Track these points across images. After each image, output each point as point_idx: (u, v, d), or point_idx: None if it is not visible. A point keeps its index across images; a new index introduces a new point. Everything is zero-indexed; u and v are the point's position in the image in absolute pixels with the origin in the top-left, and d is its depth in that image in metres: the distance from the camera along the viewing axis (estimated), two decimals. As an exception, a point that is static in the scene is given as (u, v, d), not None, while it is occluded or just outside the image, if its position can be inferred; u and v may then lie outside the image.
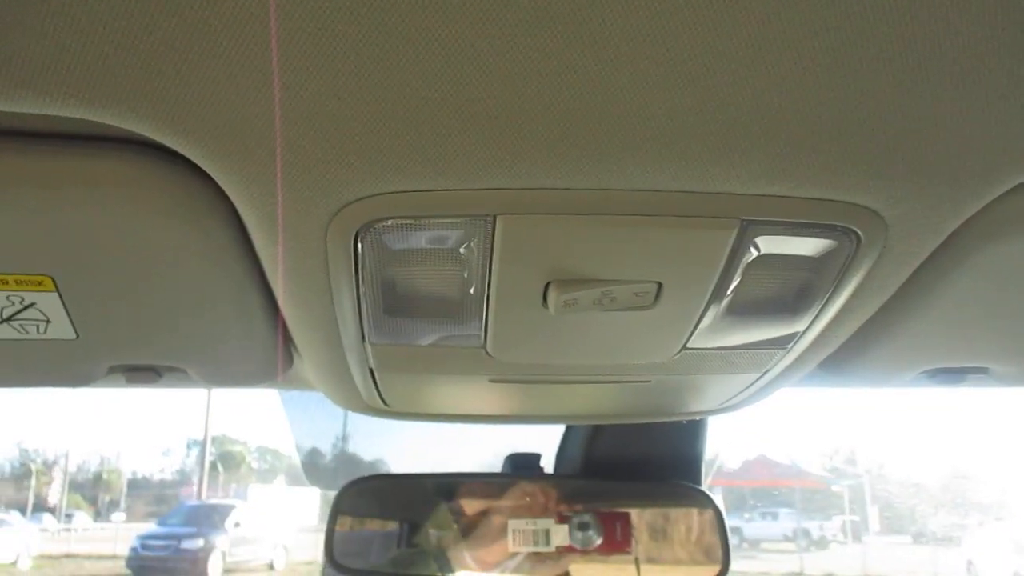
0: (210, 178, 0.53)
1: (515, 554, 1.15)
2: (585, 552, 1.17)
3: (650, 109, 0.45)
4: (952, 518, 20.23)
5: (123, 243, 0.62)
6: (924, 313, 0.74)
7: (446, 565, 1.20)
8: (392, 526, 1.31)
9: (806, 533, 21.39)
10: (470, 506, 1.22)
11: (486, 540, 1.15)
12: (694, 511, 1.25)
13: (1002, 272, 0.65)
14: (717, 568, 1.19)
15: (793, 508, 22.99)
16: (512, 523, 1.13)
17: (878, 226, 0.55)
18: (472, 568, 1.18)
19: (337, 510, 1.23)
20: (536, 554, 1.16)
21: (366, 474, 1.28)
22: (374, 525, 1.32)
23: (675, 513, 1.27)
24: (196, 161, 0.51)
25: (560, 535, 1.12)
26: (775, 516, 23.11)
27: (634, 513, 1.25)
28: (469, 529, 1.20)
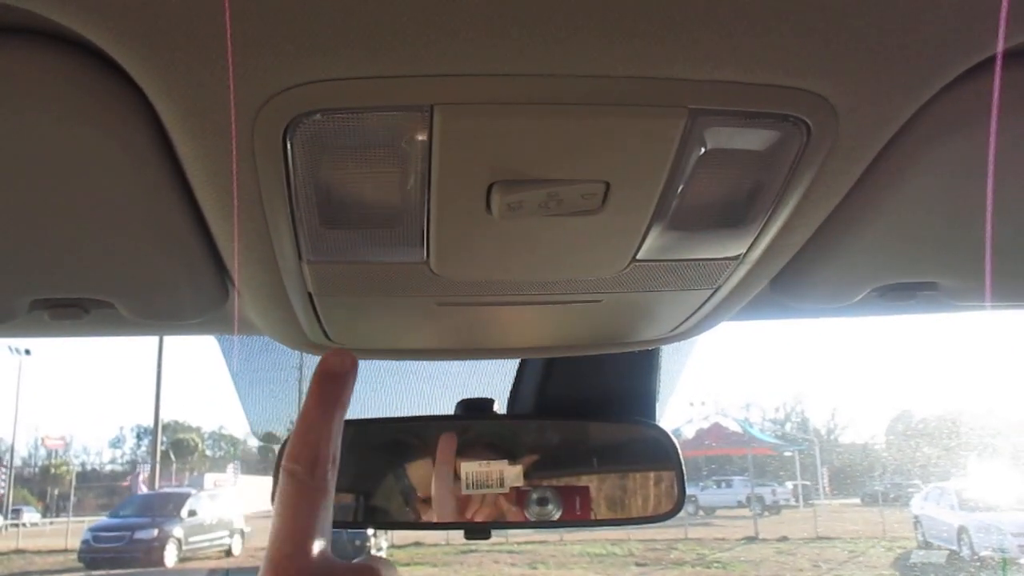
0: (124, 73, 0.49)
1: (469, 499, 1.13)
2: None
3: None
4: (899, 479, 20.95)
5: (33, 155, 0.58)
6: (875, 223, 0.73)
7: (397, 513, 1.18)
8: (341, 473, 1.28)
9: (760, 499, 21.96)
10: (421, 450, 1.19)
11: (439, 485, 1.13)
12: (651, 452, 1.24)
13: (952, 171, 0.65)
14: (672, 503, 1.19)
15: (747, 475, 23.58)
16: (465, 466, 1.10)
17: (828, 115, 0.54)
18: (422, 514, 1.16)
19: (282, 460, 1.20)
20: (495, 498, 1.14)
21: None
22: None
23: (632, 453, 1.27)
24: (105, 49, 0.46)
25: (514, 475, 1.10)
26: (729, 483, 23.71)
27: (590, 452, 1.24)
28: (420, 475, 1.17)
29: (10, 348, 28.15)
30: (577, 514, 1.18)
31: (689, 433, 26.21)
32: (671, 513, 1.20)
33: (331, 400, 0.57)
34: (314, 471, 0.54)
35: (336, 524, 1.34)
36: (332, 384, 0.58)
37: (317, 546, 0.54)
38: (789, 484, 23.24)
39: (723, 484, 23.77)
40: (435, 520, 1.15)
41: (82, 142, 0.56)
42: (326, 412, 0.56)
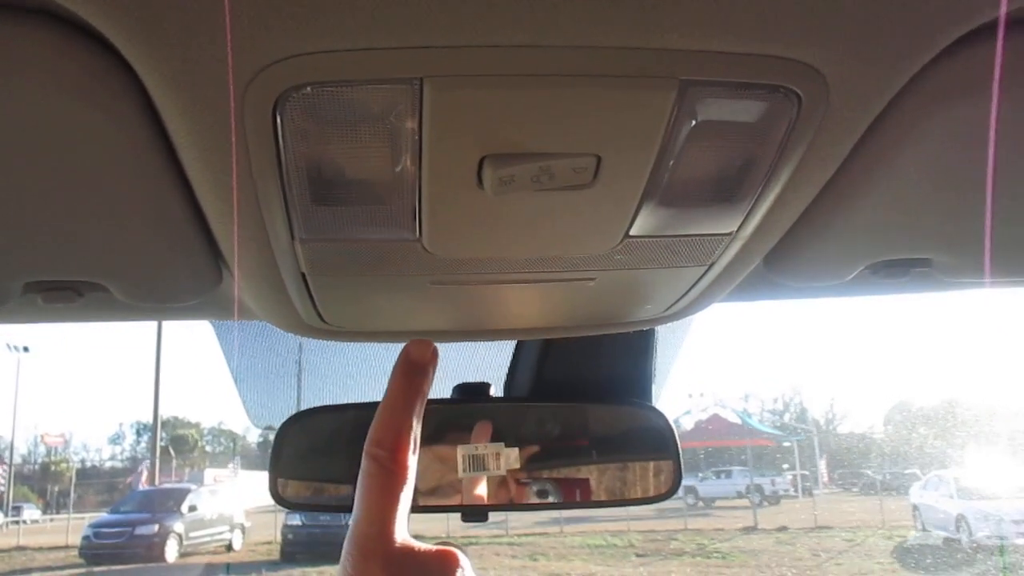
0: (115, 50, 0.48)
1: (464, 481, 1.13)
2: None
3: None
4: (897, 468, 21.02)
5: (22, 135, 0.57)
6: (867, 197, 0.73)
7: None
8: (338, 458, 1.28)
9: (759, 489, 21.99)
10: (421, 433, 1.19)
11: (435, 468, 1.13)
12: (648, 433, 1.24)
13: (946, 142, 0.64)
14: (669, 483, 1.19)
15: (746, 466, 23.61)
16: (461, 448, 1.10)
17: (819, 85, 0.54)
18: (419, 500, 1.16)
19: (280, 445, 1.20)
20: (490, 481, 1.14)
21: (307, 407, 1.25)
22: (319, 459, 1.29)
23: (629, 434, 1.26)
24: (93, 24, 0.46)
25: (511, 458, 1.10)
26: (729, 474, 23.74)
27: (587, 434, 1.24)
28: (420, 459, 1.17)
29: (8, 345, 28.14)
30: (576, 497, 1.19)
31: (688, 424, 26.26)
32: (668, 493, 1.19)
33: (413, 388, 0.60)
34: (396, 456, 0.56)
35: (333, 509, 1.34)
36: (414, 373, 0.60)
37: (399, 527, 0.55)
38: (788, 474, 23.30)
39: (722, 475, 23.80)
40: (433, 503, 1.15)
41: (73, 121, 0.56)
42: (408, 400, 0.59)
